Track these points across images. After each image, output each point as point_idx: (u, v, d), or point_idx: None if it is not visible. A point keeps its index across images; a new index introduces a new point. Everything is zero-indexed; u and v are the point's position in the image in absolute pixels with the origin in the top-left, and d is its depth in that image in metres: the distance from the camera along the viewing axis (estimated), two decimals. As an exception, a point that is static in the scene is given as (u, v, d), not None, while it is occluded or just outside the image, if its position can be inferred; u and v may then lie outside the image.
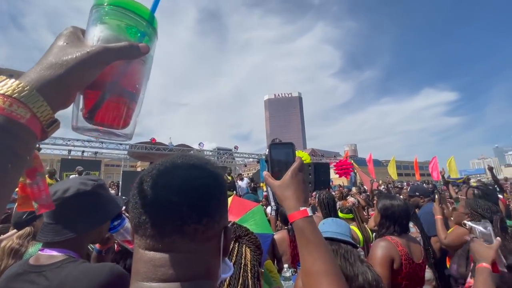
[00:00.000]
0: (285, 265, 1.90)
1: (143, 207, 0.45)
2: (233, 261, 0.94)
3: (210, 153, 19.78)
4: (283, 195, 0.66)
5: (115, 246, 1.30)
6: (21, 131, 0.33)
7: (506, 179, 16.97)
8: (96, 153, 15.22)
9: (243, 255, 0.96)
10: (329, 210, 2.58)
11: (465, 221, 1.42)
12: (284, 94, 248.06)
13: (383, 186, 9.71)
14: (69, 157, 13.80)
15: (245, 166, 22.54)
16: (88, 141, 14.15)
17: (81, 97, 0.44)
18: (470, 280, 1.46)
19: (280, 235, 2.53)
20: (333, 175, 14.12)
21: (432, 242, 2.68)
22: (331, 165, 14.64)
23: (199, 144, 18.01)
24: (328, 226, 1.39)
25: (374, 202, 4.41)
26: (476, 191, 2.57)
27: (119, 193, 11.10)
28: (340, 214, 3.06)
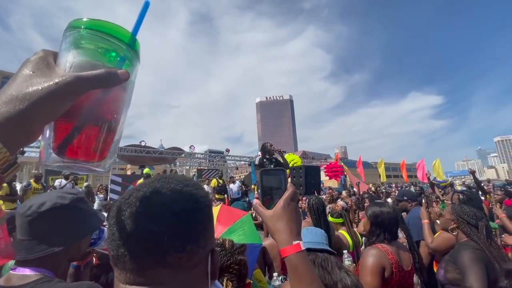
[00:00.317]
0: (275, 274, 1.87)
1: (121, 239, 0.42)
2: None
3: (201, 156, 19.60)
4: (275, 227, 0.62)
5: (94, 259, 1.24)
6: None
7: (488, 181, 17.58)
8: (83, 156, 14.76)
9: None
10: (319, 215, 2.57)
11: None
12: (276, 97, 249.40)
13: (373, 189, 9.84)
14: (55, 161, 13.35)
15: (237, 168, 22.48)
16: (75, 144, 13.74)
17: (51, 127, 0.38)
18: None
19: (270, 241, 2.50)
20: (323, 177, 14.23)
21: (421, 246, 2.71)
22: (322, 168, 14.76)
23: (190, 147, 17.79)
24: (303, 237, 1.37)
25: (365, 204, 4.45)
26: (461, 196, 2.62)
27: (108, 197, 10.85)
28: (330, 219, 3.06)
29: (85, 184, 9.82)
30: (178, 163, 21.72)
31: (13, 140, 0.31)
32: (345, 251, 2.26)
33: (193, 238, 0.44)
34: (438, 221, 3.07)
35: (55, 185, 8.19)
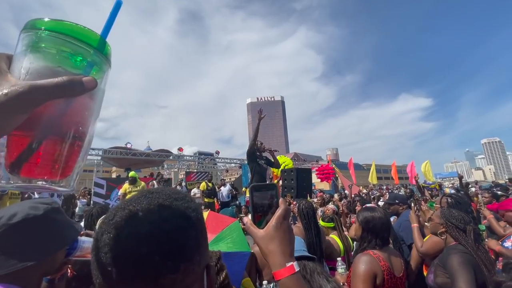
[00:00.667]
0: (264, 282, 1.86)
1: (108, 264, 0.39)
2: None
3: (190, 158, 19.41)
4: (267, 249, 0.60)
5: (69, 271, 1.19)
6: None
7: (476, 182, 18.21)
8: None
9: None
10: (309, 219, 2.58)
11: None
12: (267, 97, 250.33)
13: (364, 191, 9.98)
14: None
15: (227, 171, 22.37)
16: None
17: (3, 142, 0.34)
18: None
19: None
20: (314, 179, 14.35)
21: (414, 249, 2.76)
22: (313, 170, 14.90)
23: (179, 149, 17.58)
24: None
25: (356, 208, 4.50)
26: (449, 200, 2.69)
27: (91, 202, 10.56)
28: (321, 223, 3.08)
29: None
30: (166, 166, 21.44)
31: None
32: (339, 259, 2.27)
33: (186, 256, 0.42)
34: (426, 223, 3.15)
35: (33, 189, 7.89)
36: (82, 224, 2.33)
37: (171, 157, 17.21)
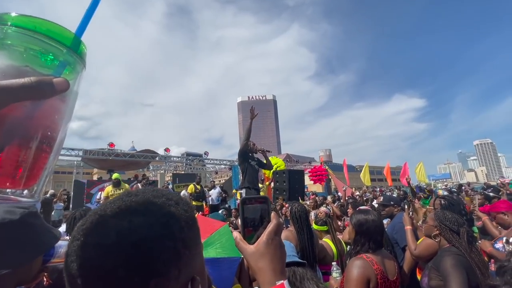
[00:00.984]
0: (256, 288, 1.86)
1: (74, 274, 0.37)
2: None
3: (178, 159, 19.21)
4: (257, 266, 0.58)
5: (45, 280, 1.15)
6: None
7: (468, 184, 18.84)
8: (42, 159, 13.90)
9: None
10: (302, 223, 2.60)
11: None
12: (258, 96, 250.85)
13: (357, 193, 10.13)
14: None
15: (216, 173, 22.25)
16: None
17: None
18: None
19: None
20: (307, 181, 14.47)
21: (407, 252, 2.82)
22: (306, 171, 15.02)
23: (165, 149, 17.36)
24: None
25: (348, 210, 4.57)
26: (442, 202, 2.77)
27: (70, 206, 10.29)
28: (314, 226, 3.10)
29: (51, 191, 9.25)
30: (151, 167, 21.14)
31: None
32: (334, 263, 2.31)
33: (159, 271, 0.39)
34: (420, 223, 3.23)
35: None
36: (61, 229, 2.27)
37: (157, 158, 16.95)
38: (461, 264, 1.62)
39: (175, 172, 19.30)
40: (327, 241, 2.87)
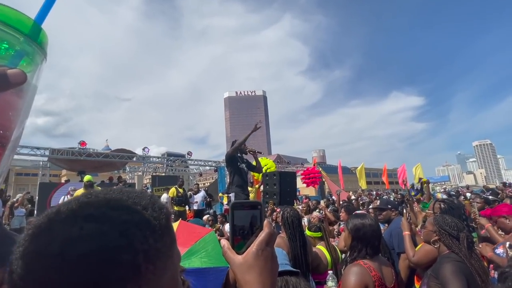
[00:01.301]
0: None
1: (17, 285, 0.35)
2: None
3: (158, 160, 18.94)
4: (244, 279, 0.56)
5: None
6: None
7: (467, 187, 19.54)
8: (2, 159, 13.36)
9: None
10: (294, 229, 2.61)
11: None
12: (247, 92, 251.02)
13: (353, 197, 10.30)
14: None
15: (201, 175, 22.10)
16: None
17: None
18: None
19: None
20: (299, 184, 14.58)
21: (401, 259, 2.89)
22: (298, 174, 15.12)
23: (144, 149, 17.06)
24: None
25: (341, 214, 4.64)
26: (442, 205, 2.85)
27: (35, 212, 9.96)
28: (307, 232, 3.12)
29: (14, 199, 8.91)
30: (128, 169, 20.74)
31: None
32: (330, 272, 2.35)
33: None
34: (418, 228, 3.31)
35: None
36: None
37: (134, 159, 16.63)
38: (461, 271, 1.67)
39: (154, 174, 19.00)
40: (321, 248, 2.89)
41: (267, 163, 11.83)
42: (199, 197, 10.09)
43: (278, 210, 4.85)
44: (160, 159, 19.35)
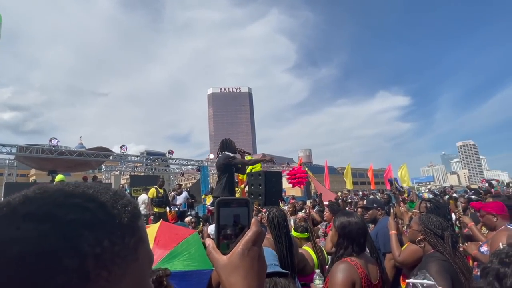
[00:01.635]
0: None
1: None
2: None
3: (137, 158, 18.57)
4: (228, 281, 0.55)
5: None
6: None
7: (451, 187, 20.37)
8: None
9: None
10: (280, 230, 2.63)
11: (407, 280, 1.66)
12: (232, 88, 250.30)
13: (340, 199, 10.49)
14: None
15: (182, 175, 21.86)
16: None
17: None
18: None
19: None
20: (285, 184, 14.70)
21: (386, 259, 2.98)
22: (284, 174, 15.24)
23: (121, 147, 16.67)
24: None
25: (325, 214, 4.74)
26: (428, 205, 2.96)
27: None
28: (294, 233, 3.16)
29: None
30: (104, 168, 20.21)
31: None
32: (317, 270, 2.43)
33: None
34: (405, 228, 3.42)
35: None
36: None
37: (111, 158, 16.22)
38: (446, 270, 1.75)
39: (132, 173, 18.64)
40: (307, 249, 2.93)
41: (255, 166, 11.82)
42: (180, 198, 9.98)
43: (264, 210, 4.88)
44: (139, 158, 18.98)
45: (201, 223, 6.42)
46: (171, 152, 18.52)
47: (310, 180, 16.37)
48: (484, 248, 2.58)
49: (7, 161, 14.96)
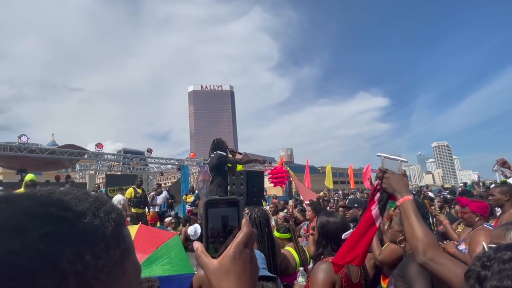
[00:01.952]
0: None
1: None
2: None
3: (113, 157, 18.01)
4: (220, 286, 0.53)
5: None
6: None
7: (427, 186, 21.24)
8: None
9: None
10: (262, 230, 2.62)
11: (378, 153, 1.65)
12: (214, 86, 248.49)
13: (322, 199, 10.65)
14: None
15: (162, 174, 21.46)
16: None
17: None
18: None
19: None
20: (267, 184, 14.74)
21: (367, 258, 3.04)
22: (266, 173, 15.29)
23: (97, 145, 16.09)
24: None
25: (308, 213, 4.80)
26: (408, 206, 3.04)
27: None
28: (276, 234, 3.16)
29: None
30: (78, 167, 19.43)
31: None
32: (301, 268, 2.47)
33: None
34: (386, 227, 3.51)
35: None
36: None
37: (86, 156, 15.63)
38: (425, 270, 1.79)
39: (109, 173, 18.08)
40: (289, 249, 2.94)
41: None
42: (160, 198, 9.78)
43: (246, 210, 4.85)
44: (115, 156, 18.42)
45: (181, 224, 6.31)
46: (150, 151, 18.10)
47: (291, 179, 16.51)
48: (462, 247, 2.69)
49: (-30, 159, 14.06)
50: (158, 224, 8.83)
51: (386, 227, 3.28)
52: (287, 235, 3.10)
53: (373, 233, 1.57)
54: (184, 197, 12.22)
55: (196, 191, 12.14)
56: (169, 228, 7.73)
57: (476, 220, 2.82)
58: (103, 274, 0.34)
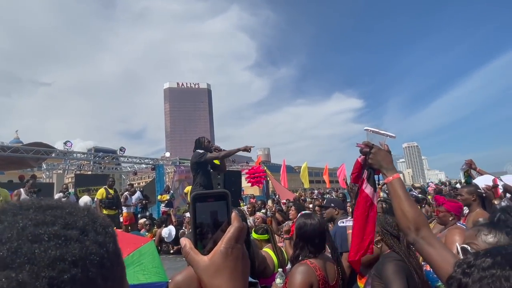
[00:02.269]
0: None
1: None
2: None
3: (83, 156, 17.22)
4: (212, 283, 0.51)
5: None
6: None
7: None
8: None
9: None
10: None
11: (366, 127, 1.64)
12: (190, 84, 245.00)
13: (303, 198, 10.78)
14: None
15: (135, 174, 20.77)
16: None
17: None
18: None
19: (186, 275, 2.31)
20: (244, 183, 14.73)
21: (344, 258, 3.08)
22: (243, 173, 15.27)
23: (66, 143, 15.30)
24: None
25: (291, 212, 4.82)
26: (384, 205, 3.11)
27: None
28: (254, 235, 3.13)
29: None
30: (45, 167, 18.39)
31: None
32: (280, 270, 2.49)
33: None
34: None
35: None
36: None
37: (53, 155, 14.81)
38: (402, 270, 1.84)
39: (78, 172, 17.28)
40: (267, 250, 2.92)
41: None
42: (134, 200, 9.46)
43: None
44: (85, 155, 17.62)
45: (155, 226, 6.13)
46: (122, 149, 17.50)
47: (268, 179, 16.60)
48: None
49: None
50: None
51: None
52: (265, 237, 3.08)
53: (375, 213, 1.56)
54: (159, 197, 11.91)
55: (171, 191, 11.88)
56: (143, 230, 7.49)
57: (450, 219, 2.94)
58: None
